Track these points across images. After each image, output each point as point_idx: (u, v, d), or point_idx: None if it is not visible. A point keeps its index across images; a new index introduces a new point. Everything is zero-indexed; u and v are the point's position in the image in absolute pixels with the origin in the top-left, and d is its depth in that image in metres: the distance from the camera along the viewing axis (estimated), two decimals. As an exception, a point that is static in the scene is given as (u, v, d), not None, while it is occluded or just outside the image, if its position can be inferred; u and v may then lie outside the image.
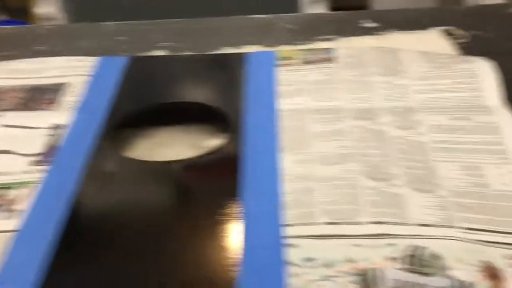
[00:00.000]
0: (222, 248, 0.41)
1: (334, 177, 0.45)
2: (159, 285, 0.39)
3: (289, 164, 0.47)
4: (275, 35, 0.72)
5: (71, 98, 0.58)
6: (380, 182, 0.45)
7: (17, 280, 0.39)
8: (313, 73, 0.58)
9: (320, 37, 0.70)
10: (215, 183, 0.47)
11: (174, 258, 0.40)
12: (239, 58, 0.62)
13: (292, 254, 0.39)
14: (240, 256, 0.40)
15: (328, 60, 0.60)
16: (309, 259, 0.39)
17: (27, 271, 0.40)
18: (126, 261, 0.41)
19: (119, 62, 0.63)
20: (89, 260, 0.41)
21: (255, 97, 0.56)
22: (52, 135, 0.53)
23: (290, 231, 0.41)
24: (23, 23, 2.05)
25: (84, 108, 0.56)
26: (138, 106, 0.57)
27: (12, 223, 0.43)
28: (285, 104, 0.54)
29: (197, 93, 0.60)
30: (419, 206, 0.42)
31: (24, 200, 0.45)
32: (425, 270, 0.38)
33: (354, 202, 0.43)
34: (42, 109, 0.56)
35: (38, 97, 0.58)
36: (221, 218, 0.43)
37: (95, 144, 0.52)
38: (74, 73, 0.62)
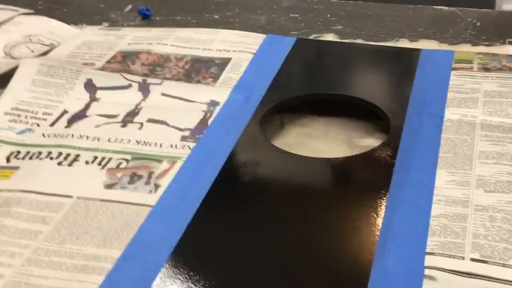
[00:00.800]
0: (354, 259, 0.38)
1: (493, 207, 0.40)
2: (292, 267, 0.37)
3: (443, 183, 0.43)
4: (456, 31, 0.66)
5: (232, 75, 0.57)
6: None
7: (145, 255, 0.39)
8: (489, 82, 0.52)
9: (509, 40, 0.63)
10: (363, 189, 0.44)
11: (308, 254, 0.38)
12: (412, 54, 0.58)
13: (426, 287, 0.35)
14: (369, 273, 0.37)
15: (510, 69, 0.54)
16: (446, 297, 0.35)
17: (157, 248, 0.40)
18: (264, 243, 0.39)
19: (286, 43, 0.61)
20: (223, 242, 0.40)
21: (421, 101, 0.51)
22: (206, 111, 0.52)
23: (430, 260, 0.37)
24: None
25: (242, 88, 0.55)
26: (296, 93, 0.55)
27: (153, 197, 0.43)
28: (452, 113, 0.49)
29: (359, 86, 0.57)
30: None
31: (168, 176, 0.46)
32: None
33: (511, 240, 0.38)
34: (202, 83, 0.56)
35: (200, 69, 0.58)
36: (361, 227, 0.40)
37: (246, 127, 0.50)
38: (240, 49, 0.61)
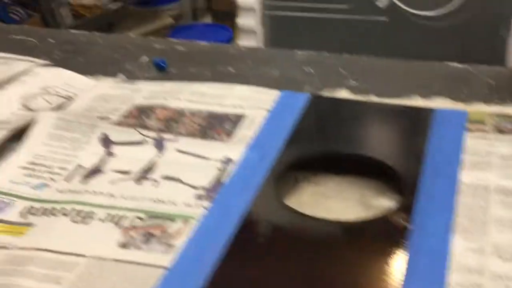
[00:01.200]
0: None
1: (509, 276, 0.40)
2: None
3: (460, 249, 0.42)
4: (470, 89, 0.66)
5: (247, 132, 0.57)
6: None
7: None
8: (505, 145, 0.52)
9: (524, 100, 0.63)
10: (377, 253, 0.44)
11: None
12: (425, 113, 0.58)
13: None
14: None
15: (525, 132, 0.54)
16: None
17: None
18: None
19: (300, 99, 0.62)
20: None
21: (435, 162, 0.51)
22: (221, 169, 0.53)
23: (447, 332, 0.37)
24: (225, 29, 2.13)
25: (256, 145, 0.55)
26: (310, 151, 0.55)
27: (167, 258, 0.43)
28: (467, 176, 0.49)
29: (373, 145, 0.57)
30: None
31: (182, 236, 0.45)
32: None
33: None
34: (217, 140, 0.57)
35: (215, 125, 0.59)
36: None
37: (260, 186, 0.50)
38: (255, 105, 0.61)
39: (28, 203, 0.50)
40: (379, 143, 0.57)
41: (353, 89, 0.67)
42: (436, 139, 0.54)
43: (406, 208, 0.47)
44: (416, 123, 0.58)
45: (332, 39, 1.19)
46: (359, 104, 0.63)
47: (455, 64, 0.72)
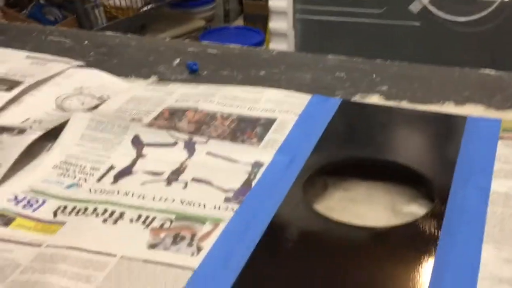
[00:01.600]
0: None
1: (541, 287, 0.40)
2: None
3: (490, 259, 0.42)
4: (503, 96, 0.65)
5: (277, 136, 0.57)
6: None
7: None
8: (538, 154, 0.52)
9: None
10: (406, 260, 0.44)
11: None
12: (458, 121, 0.57)
13: None
14: None
15: (560, 141, 0.53)
16: None
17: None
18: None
19: (331, 104, 0.62)
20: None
21: (467, 170, 0.51)
22: (250, 172, 0.53)
23: None
24: (257, 32, 2.13)
25: (286, 150, 0.55)
26: (340, 156, 0.55)
27: (195, 260, 0.44)
28: (499, 185, 0.49)
29: (404, 151, 0.57)
30: None
31: (211, 238, 0.46)
32: None
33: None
34: (247, 143, 0.57)
35: (246, 129, 0.59)
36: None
37: (289, 190, 0.51)
38: (286, 109, 0.61)
39: (60, 202, 0.51)
40: (411, 149, 0.57)
41: (385, 95, 0.67)
42: (469, 146, 0.54)
43: (437, 215, 0.47)
44: (448, 130, 0.58)
45: (364, 44, 1.19)
46: (391, 110, 0.62)
47: (488, 71, 0.71)
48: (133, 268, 0.43)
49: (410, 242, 0.45)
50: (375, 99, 0.66)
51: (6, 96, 0.65)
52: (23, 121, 0.62)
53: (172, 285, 0.42)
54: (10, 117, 0.63)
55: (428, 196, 0.51)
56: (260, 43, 2.06)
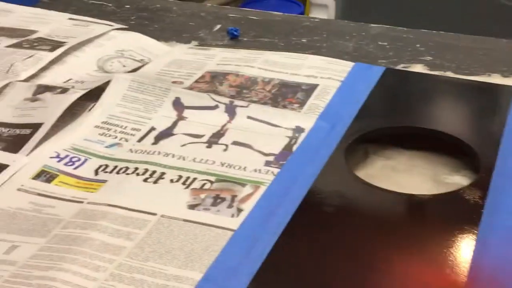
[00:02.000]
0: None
1: None
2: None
3: (536, 230, 0.41)
4: (552, 69, 0.64)
5: (318, 102, 0.57)
6: None
7: (225, 280, 0.39)
8: None
9: None
10: (449, 230, 0.43)
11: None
12: (504, 92, 0.56)
13: None
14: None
15: None
16: None
17: (237, 274, 0.40)
18: (344, 275, 0.39)
19: (374, 72, 0.61)
20: (303, 272, 0.40)
21: (513, 141, 0.50)
22: (291, 137, 0.52)
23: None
24: (297, 3, 2.11)
25: (328, 116, 0.55)
26: (382, 124, 0.54)
27: (235, 221, 0.44)
28: (546, 157, 0.47)
29: (448, 121, 0.55)
30: None
31: (251, 200, 0.46)
32: None
33: None
34: (288, 108, 0.56)
35: (287, 94, 0.58)
36: (447, 271, 0.39)
37: (330, 156, 0.50)
38: (328, 76, 0.61)
39: (102, 161, 0.51)
40: (455, 119, 0.56)
41: (429, 65, 0.66)
42: (516, 118, 0.53)
43: (482, 186, 0.46)
44: (494, 101, 0.56)
45: (407, 13, 1.17)
46: (436, 78, 0.61)
47: (538, 43, 0.69)
48: (173, 227, 0.43)
49: (454, 211, 0.45)
50: (418, 69, 0.65)
51: (49, 56, 0.65)
52: (65, 81, 0.63)
53: (211, 245, 0.42)
54: (53, 77, 0.63)
55: (472, 167, 0.50)
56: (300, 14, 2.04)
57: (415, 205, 0.46)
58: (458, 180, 0.50)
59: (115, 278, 0.39)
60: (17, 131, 0.54)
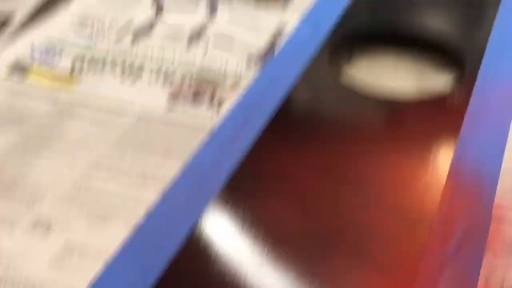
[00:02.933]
0: (418, 202, 0.37)
1: None
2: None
3: (518, 134, 0.41)
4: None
5: (303, 1, 0.55)
6: None
7: (200, 182, 0.39)
8: None
9: None
10: (429, 133, 0.42)
11: (371, 194, 0.38)
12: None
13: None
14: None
15: None
16: None
17: (211, 176, 0.39)
18: (322, 184, 0.39)
19: (362, -30, 0.58)
20: (278, 178, 0.39)
21: (501, 44, 0.49)
22: (274, 37, 0.51)
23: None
24: None
25: (312, 16, 0.53)
26: (368, 24, 0.53)
27: (212, 122, 0.43)
28: (534, 60, 0.47)
29: (435, 23, 0.54)
30: None
31: (229, 100, 0.45)
32: None
33: None
34: (272, 6, 0.54)
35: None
36: (425, 173, 0.39)
37: (313, 57, 0.49)
38: (313, -27, 0.58)
39: (79, 52, 0.50)
40: (441, 22, 0.54)
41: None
42: (504, 21, 0.51)
43: (466, 88, 0.45)
44: (483, 4, 0.55)
45: None
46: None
47: None
48: (150, 125, 0.43)
49: (437, 115, 0.44)
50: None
51: None
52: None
53: (187, 144, 0.41)
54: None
55: (457, 69, 0.49)
56: None
57: (395, 109, 0.45)
58: (441, 81, 0.50)
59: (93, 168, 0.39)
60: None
